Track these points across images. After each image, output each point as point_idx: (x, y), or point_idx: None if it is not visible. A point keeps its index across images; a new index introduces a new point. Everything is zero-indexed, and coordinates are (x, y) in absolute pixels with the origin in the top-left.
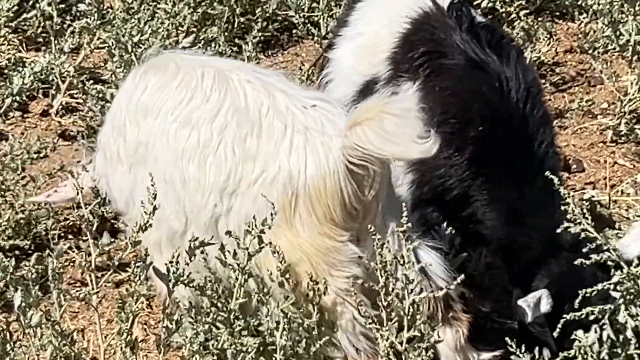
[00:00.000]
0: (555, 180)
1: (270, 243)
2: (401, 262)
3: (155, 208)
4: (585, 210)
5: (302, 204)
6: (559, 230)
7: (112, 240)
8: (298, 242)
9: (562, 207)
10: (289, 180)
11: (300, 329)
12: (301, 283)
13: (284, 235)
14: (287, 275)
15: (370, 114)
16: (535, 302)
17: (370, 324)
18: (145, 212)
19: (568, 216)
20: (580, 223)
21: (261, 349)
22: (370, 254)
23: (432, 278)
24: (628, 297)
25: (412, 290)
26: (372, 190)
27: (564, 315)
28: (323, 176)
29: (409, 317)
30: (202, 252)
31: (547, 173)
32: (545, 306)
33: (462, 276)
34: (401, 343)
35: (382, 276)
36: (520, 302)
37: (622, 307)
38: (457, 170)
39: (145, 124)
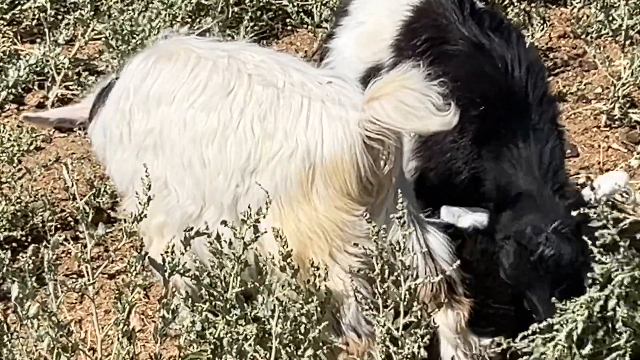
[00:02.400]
0: None
1: (274, 228)
2: (397, 249)
3: (149, 199)
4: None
5: (320, 177)
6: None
7: (108, 230)
8: (316, 216)
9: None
10: (307, 154)
11: (299, 314)
12: (306, 266)
13: (302, 210)
14: (289, 260)
15: (389, 89)
16: (459, 213)
17: (368, 309)
18: (140, 202)
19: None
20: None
21: (260, 336)
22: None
23: (437, 260)
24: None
25: (408, 277)
26: (387, 165)
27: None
28: (340, 149)
29: (405, 303)
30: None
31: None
32: (474, 218)
33: (458, 262)
34: (397, 329)
35: (377, 263)
36: (443, 207)
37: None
38: (463, 152)
39: (157, 111)
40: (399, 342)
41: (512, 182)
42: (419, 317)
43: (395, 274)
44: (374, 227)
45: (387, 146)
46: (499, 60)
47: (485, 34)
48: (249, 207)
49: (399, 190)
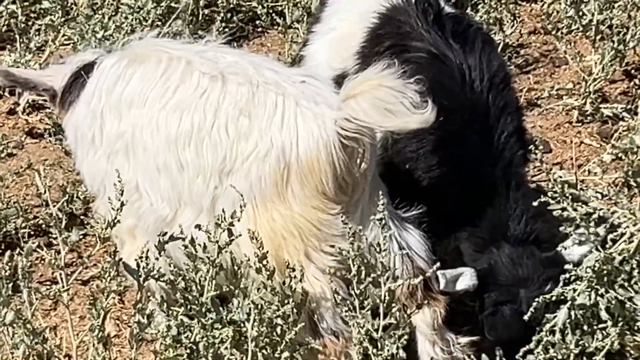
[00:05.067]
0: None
1: (249, 230)
2: (377, 250)
3: (122, 204)
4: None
5: (295, 176)
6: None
7: (82, 235)
8: (291, 216)
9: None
10: (282, 154)
11: (275, 315)
12: (282, 267)
13: (277, 209)
14: (265, 262)
15: (365, 87)
16: (454, 277)
17: (346, 311)
18: (113, 208)
19: (549, 194)
20: (559, 202)
21: (236, 339)
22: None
23: (414, 258)
24: (601, 279)
25: (388, 278)
26: (363, 164)
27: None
28: (316, 148)
29: (384, 305)
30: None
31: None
32: (466, 283)
33: (438, 264)
34: (377, 330)
35: (354, 265)
36: (439, 272)
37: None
38: (422, 162)
39: (129, 114)
40: (378, 344)
41: (473, 193)
42: (398, 317)
43: (374, 275)
44: (350, 228)
45: (362, 144)
46: (457, 70)
47: (446, 42)
48: (222, 210)
49: (376, 190)
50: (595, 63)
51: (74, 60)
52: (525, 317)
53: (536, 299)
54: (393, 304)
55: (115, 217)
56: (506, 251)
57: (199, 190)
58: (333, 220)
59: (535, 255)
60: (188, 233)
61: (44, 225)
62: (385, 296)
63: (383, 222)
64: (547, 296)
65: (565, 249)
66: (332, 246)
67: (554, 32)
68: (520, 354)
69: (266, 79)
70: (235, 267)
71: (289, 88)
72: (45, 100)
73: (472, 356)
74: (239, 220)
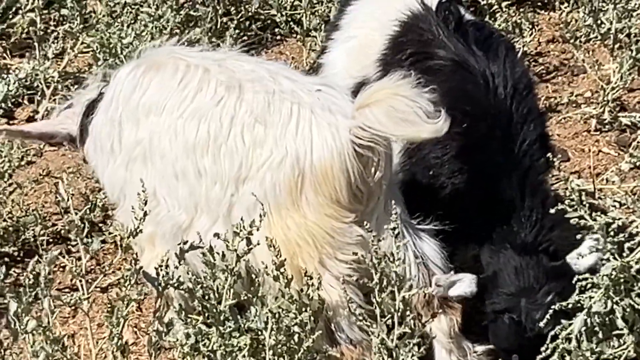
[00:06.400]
0: None
1: (267, 238)
2: (391, 260)
3: (145, 214)
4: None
5: (309, 184)
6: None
7: (101, 245)
8: (305, 223)
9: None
10: (296, 162)
11: (292, 324)
12: (297, 275)
13: (291, 217)
14: (282, 269)
15: (380, 96)
16: (449, 283)
17: (362, 320)
18: (135, 217)
19: (567, 202)
20: (577, 210)
21: (253, 347)
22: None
23: (430, 267)
24: (617, 287)
25: (402, 287)
26: (377, 173)
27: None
28: (330, 157)
29: (399, 314)
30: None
31: None
32: (463, 290)
33: (453, 272)
34: (392, 340)
35: (376, 273)
36: (436, 277)
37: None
38: (446, 168)
39: (147, 122)
40: (394, 353)
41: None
42: (413, 327)
43: (390, 284)
44: (371, 235)
45: (377, 153)
46: (481, 77)
47: (469, 49)
48: (242, 219)
49: (391, 199)
50: (614, 72)
51: (81, 100)
52: (541, 324)
53: (546, 308)
54: (408, 313)
55: (138, 227)
56: (511, 260)
57: (217, 197)
58: (347, 229)
59: (541, 264)
60: (204, 240)
61: (62, 233)
62: (399, 306)
63: (397, 231)
64: (563, 304)
65: (581, 256)
66: (347, 254)
67: (572, 41)
68: None
69: (282, 88)
70: (253, 276)
71: (304, 97)
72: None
73: None
74: (257, 229)
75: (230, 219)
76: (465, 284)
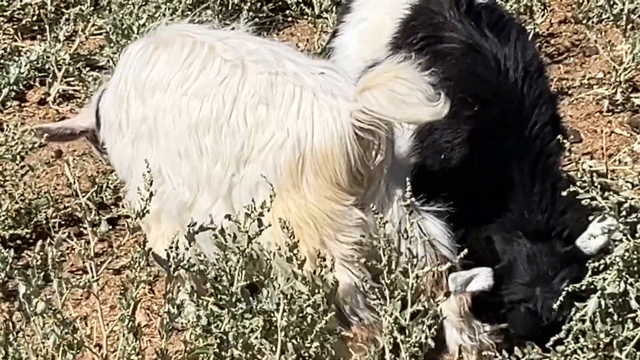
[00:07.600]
0: None
1: (280, 219)
2: (404, 237)
3: (151, 194)
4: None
5: (309, 167)
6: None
7: (111, 227)
8: (305, 205)
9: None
10: (297, 144)
11: (305, 305)
12: (307, 255)
13: (292, 199)
14: (295, 251)
15: (381, 79)
16: (465, 280)
17: (373, 299)
18: (142, 198)
19: (578, 184)
20: (588, 191)
21: (266, 328)
22: (375, 220)
23: (437, 247)
24: (630, 268)
25: (415, 265)
26: (378, 156)
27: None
28: (330, 140)
29: (412, 292)
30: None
31: None
32: (480, 284)
33: (466, 250)
34: (405, 318)
35: (385, 255)
36: (451, 275)
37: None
38: (457, 152)
39: (152, 99)
40: (407, 331)
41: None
42: (425, 305)
43: (402, 263)
44: (373, 217)
45: (378, 137)
46: (492, 60)
47: (481, 32)
48: (253, 201)
49: (393, 183)
50: (626, 52)
51: (98, 97)
52: (555, 307)
53: (558, 294)
54: (420, 292)
55: (145, 207)
56: (524, 247)
57: (218, 176)
58: (347, 211)
59: (554, 251)
60: (205, 217)
61: (74, 215)
62: (412, 283)
63: (410, 209)
64: (577, 285)
65: (593, 237)
66: (347, 236)
67: (584, 22)
68: (551, 343)
69: (285, 70)
70: (263, 257)
71: (307, 79)
72: (75, 90)
73: (499, 343)
74: (268, 210)
75: (231, 199)
76: (482, 279)
